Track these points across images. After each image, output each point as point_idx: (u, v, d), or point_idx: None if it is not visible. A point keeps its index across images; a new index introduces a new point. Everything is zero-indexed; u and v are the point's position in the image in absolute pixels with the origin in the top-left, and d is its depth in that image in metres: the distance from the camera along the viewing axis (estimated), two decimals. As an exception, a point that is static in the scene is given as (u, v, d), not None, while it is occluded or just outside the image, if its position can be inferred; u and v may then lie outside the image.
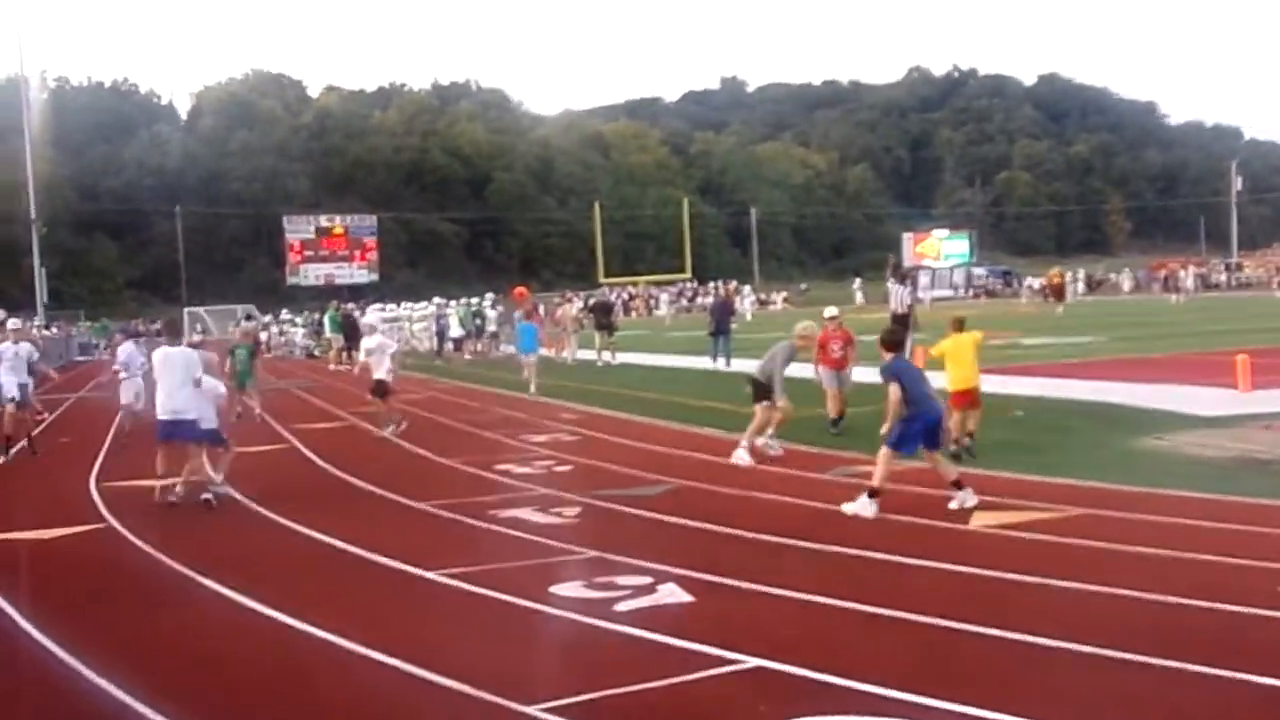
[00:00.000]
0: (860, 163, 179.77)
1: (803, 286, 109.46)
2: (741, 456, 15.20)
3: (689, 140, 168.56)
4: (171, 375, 13.66)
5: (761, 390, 15.93)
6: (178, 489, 13.51)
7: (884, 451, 11.52)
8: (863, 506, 11.20)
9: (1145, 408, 18.31)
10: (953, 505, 11.27)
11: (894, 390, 11.59)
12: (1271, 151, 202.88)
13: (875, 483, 11.34)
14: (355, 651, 7.57)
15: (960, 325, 15.80)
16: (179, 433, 13.68)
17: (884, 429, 11.61)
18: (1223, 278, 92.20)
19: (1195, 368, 23.74)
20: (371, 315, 22.67)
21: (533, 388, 27.30)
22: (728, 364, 30.87)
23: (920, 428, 11.62)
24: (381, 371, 20.60)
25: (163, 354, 14.05)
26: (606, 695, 6.53)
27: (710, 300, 42.49)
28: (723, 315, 33.54)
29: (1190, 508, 10.96)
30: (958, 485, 11.55)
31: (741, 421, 19.03)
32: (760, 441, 15.68)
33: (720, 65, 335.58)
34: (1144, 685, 6.44)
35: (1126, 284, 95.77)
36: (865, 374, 17.11)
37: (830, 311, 19.29)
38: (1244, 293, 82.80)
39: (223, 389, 15.29)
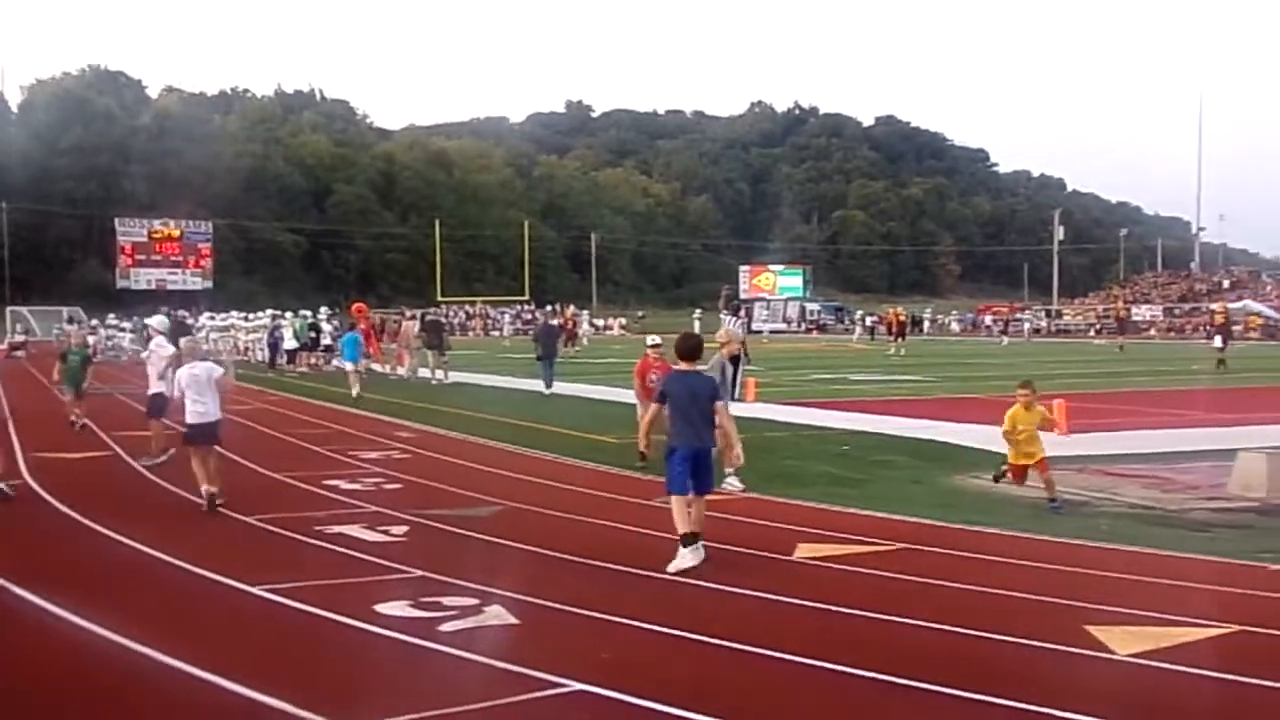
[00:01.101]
0: (701, 194, 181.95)
1: (640, 314, 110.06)
2: (732, 484, 14.34)
3: (533, 162, 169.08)
4: None
5: None
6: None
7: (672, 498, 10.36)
8: (682, 559, 10.03)
9: (966, 446, 18.83)
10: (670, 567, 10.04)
11: (651, 408, 11.04)
12: (1093, 203, 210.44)
13: (679, 528, 10.22)
14: (172, 666, 7.44)
15: (1034, 390, 14.67)
16: None
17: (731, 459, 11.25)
18: (1043, 323, 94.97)
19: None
20: (156, 319, 20.78)
21: (354, 391, 29.07)
22: (549, 387, 31.21)
23: (678, 462, 10.32)
24: (157, 383, 17.67)
25: None
26: (429, 716, 6.52)
27: (538, 324, 42.40)
28: (548, 340, 33.64)
29: (1005, 546, 11.30)
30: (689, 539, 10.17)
31: (567, 444, 19.21)
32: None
33: (566, 88, 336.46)
34: (950, 714, 6.65)
35: (955, 325, 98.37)
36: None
37: (653, 340, 18.84)
38: (1063, 339, 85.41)
39: None
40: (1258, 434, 19.16)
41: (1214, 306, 70.51)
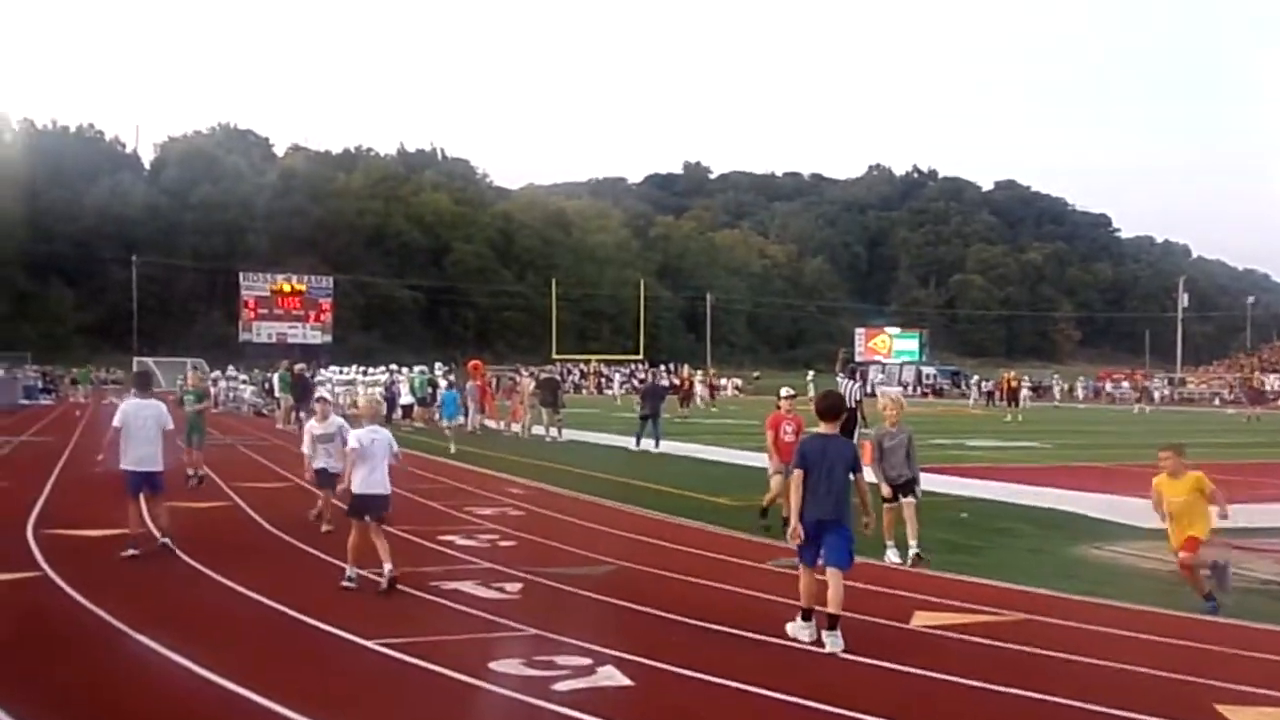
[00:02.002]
0: (818, 255, 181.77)
1: (755, 374, 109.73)
2: (891, 557, 13.93)
3: (650, 222, 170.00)
4: (144, 428, 13.81)
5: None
6: (131, 548, 13.50)
7: (803, 573, 9.97)
8: (798, 629, 9.86)
9: (1088, 515, 18.47)
10: (817, 641, 9.71)
11: (794, 475, 10.08)
12: (1218, 270, 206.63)
13: (802, 602, 9.91)
14: (289, 718, 7.49)
15: (1178, 454, 12.24)
16: (149, 484, 13.87)
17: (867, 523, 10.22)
18: (1166, 391, 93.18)
19: (1139, 479, 23.91)
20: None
21: (452, 449, 30.04)
22: (657, 445, 31.72)
23: (809, 531, 9.84)
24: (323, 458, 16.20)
25: (135, 405, 14.07)
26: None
27: (643, 382, 42.28)
28: (653, 399, 33.73)
29: (1129, 619, 11.02)
30: (829, 622, 9.62)
31: (679, 504, 19.17)
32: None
33: (684, 149, 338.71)
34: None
35: (1080, 392, 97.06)
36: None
37: (786, 391, 18.22)
38: (1187, 407, 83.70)
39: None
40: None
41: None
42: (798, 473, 9.99)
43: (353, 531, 12.16)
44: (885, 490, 13.83)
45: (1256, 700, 8.15)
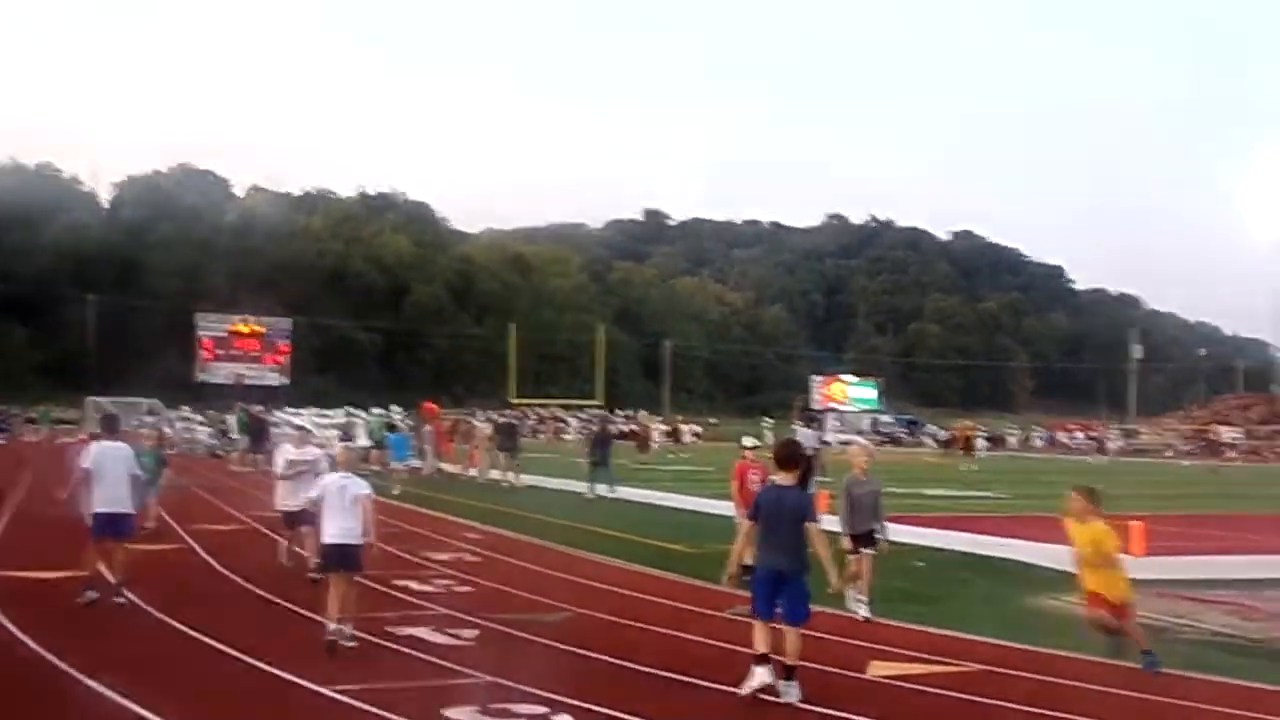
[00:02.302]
0: (776, 303, 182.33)
1: (713, 421, 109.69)
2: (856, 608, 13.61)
3: (609, 268, 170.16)
4: (114, 470, 13.47)
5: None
6: (90, 591, 13.21)
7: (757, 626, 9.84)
8: (753, 678, 9.58)
9: (1043, 565, 18.52)
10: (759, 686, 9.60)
11: (743, 526, 10.31)
12: (1170, 322, 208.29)
13: (756, 649, 9.71)
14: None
15: (1087, 498, 11.88)
16: (118, 528, 13.50)
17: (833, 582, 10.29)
18: (1120, 443, 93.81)
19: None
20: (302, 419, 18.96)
21: (395, 490, 29.93)
22: (611, 489, 31.80)
23: (758, 583, 9.90)
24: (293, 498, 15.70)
25: (104, 448, 13.74)
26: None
27: (592, 430, 41.91)
28: (602, 445, 33.71)
29: (1083, 670, 11.06)
30: (786, 672, 9.61)
31: (637, 551, 19.15)
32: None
33: (645, 196, 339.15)
34: None
35: (1039, 441, 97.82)
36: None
37: (749, 441, 17.91)
38: (1140, 458, 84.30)
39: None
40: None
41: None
42: (748, 524, 10.11)
43: (331, 585, 11.37)
44: (846, 542, 13.54)
45: (1209, 753, 8.21)
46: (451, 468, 41.58)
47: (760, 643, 9.65)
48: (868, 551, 13.67)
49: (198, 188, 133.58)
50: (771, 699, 9.42)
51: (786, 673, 9.56)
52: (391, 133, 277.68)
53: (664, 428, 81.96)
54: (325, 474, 12.66)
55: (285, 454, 16.14)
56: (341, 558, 11.38)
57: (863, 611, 13.49)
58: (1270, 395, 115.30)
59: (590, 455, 33.53)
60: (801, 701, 9.34)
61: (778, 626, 9.70)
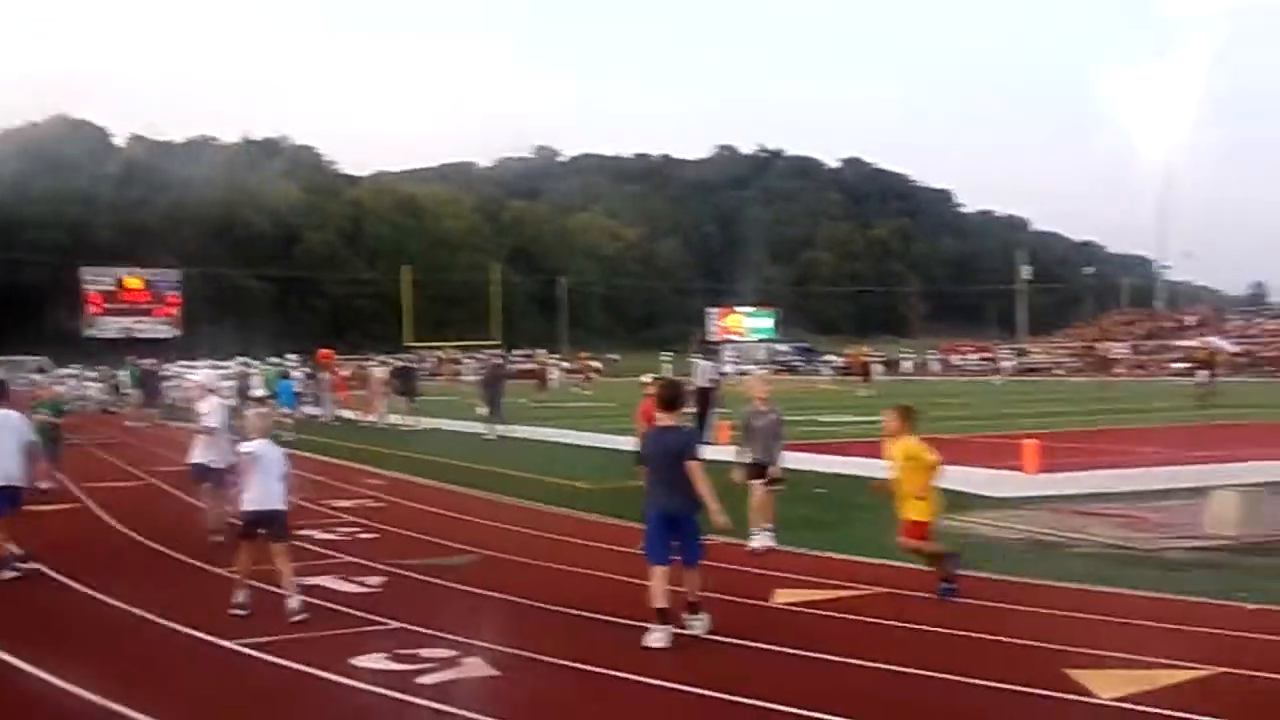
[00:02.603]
0: (670, 237, 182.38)
1: (614, 357, 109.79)
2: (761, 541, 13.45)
3: (501, 207, 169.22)
4: (8, 439, 12.64)
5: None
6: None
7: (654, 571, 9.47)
8: (653, 638, 9.19)
9: (940, 487, 18.82)
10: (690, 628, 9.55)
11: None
12: (1056, 242, 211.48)
13: (654, 602, 9.35)
14: (151, 723, 7.39)
15: (901, 416, 11.75)
16: (10, 500, 12.65)
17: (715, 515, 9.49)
18: (1012, 363, 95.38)
19: (987, 450, 24.51)
20: (203, 374, 17.46)
21: (285, 436, 28.05)
22: (491, 431, 31.69)
23: (653, 528, 9.63)
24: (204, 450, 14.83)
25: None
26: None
27: (481, 374, 41.52)
28: (493, 385, 33.84)
29: (983, 589, 11.28)
30: (691, 607, 9.60)
31: (541, 490, 19.18)
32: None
33: (534, 133, 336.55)
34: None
35: (936, 365, 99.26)
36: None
37: (650, 377, 17.53)
38: (1030, 377, 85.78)
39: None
40: (1231, 471, 19.27)
41: (1197, 344, 71.73)
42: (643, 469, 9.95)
43: (241, 552, 10.89)
44: (737, 474, 13.41)
45: (1104, 663, 8.43)
46: (350, 414, 41.30)
47: (659, 595, 9.30)
48: (767, 483, 13.58)
49: (75, 139, 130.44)
50: (678, 630, 9.47)
51: (691, 607, 9.58)
52: (274, 77, 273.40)
53: (566, 365, 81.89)
54: (244, 433, 11.95)
55: (209, 407, 15.29)
56: (269, 523, 10.90)
57: (766, 542, 13.41)
58: (1154, 311, 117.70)
59: (483, 396, 33.48)
60: (709, 633, 9.44)
61: (674, 570, 9.50)
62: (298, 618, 10.24)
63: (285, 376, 44.77)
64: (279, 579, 10.63)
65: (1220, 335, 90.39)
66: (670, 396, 10.12)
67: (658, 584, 9.36)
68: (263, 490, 10.78)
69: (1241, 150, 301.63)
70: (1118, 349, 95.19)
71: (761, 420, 13.74)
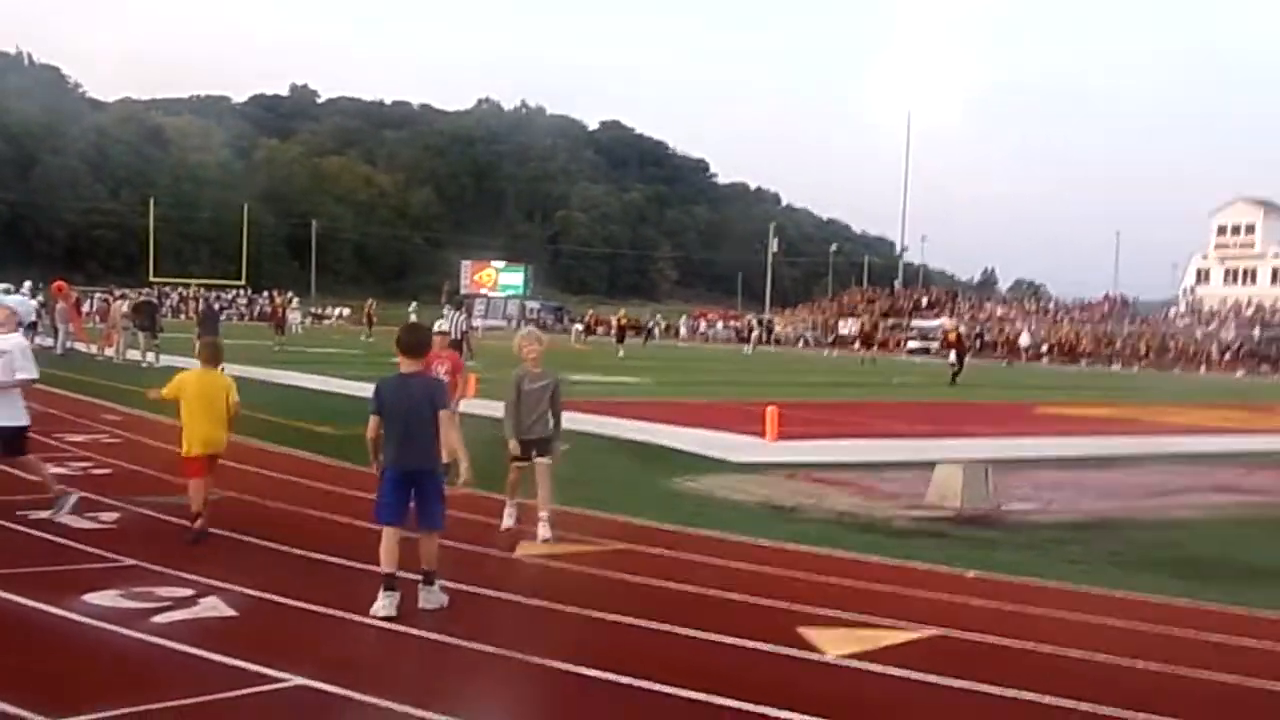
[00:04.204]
0: (425, 186, 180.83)
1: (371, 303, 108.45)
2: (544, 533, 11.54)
3: (254, 144, 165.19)
4: None
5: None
6: None
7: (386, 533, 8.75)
8: (382, 605, 8.50)
9: (684, 450, 19.26)
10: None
11: (370, 422, 9.01)
12: (805, 218, 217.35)
13: (383, 567, 8.66)
14: None
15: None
16: None
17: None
18: (756, 333, 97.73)
19: (731, 415, 25.13)
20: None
21: None
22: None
23: (390, 486, 8.82)
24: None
25: None
26: (138, 711, 6.35)
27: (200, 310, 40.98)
28: (209, 323, 33.74)
29: (721, 548, 11.58)
30: (424, 578, 8.81)
31: (282, 433, 18.89)
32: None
33: (290, 71, 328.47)
34: (664, 714, 6.83)
35: (684, 331, 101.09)
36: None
37: (440, 325, 16.84)
38: (775, 348, 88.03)
39: None
40: (958, 446, 20.18)
41: (946, 324, 74.63)
42: (374, 419, 8.91)
43: None
44: (513, 446, 11.59)
45: (832, 622, 8.77)
46: (86, 348, 39.85)
47: (388, 558, 8.62)
48: (542, 460, 11.61)
49: None
50: (413, 576, 9.41)
51: (426, 578, 8.80)
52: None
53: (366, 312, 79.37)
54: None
55: None
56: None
57: (543, 533, 11.47)
58: (893, 290, 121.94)
59: (199, 333, 33.03)
60: (446, 606, 8.83)
61: (410, 535, 8.88)
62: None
63: (41, 307, 43.51)
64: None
65: (951, 316, 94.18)
66: (416, 341, 9.19)
67: (387, 545, 8.62)
68: None
69: (982, 143, 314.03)
70: (854, 325, 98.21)
71: (534, 384, 11.65)
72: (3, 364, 11.34)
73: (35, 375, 11.76)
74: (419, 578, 8.81)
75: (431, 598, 8.74)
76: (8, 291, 45.88)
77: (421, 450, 8.77)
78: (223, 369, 12.56)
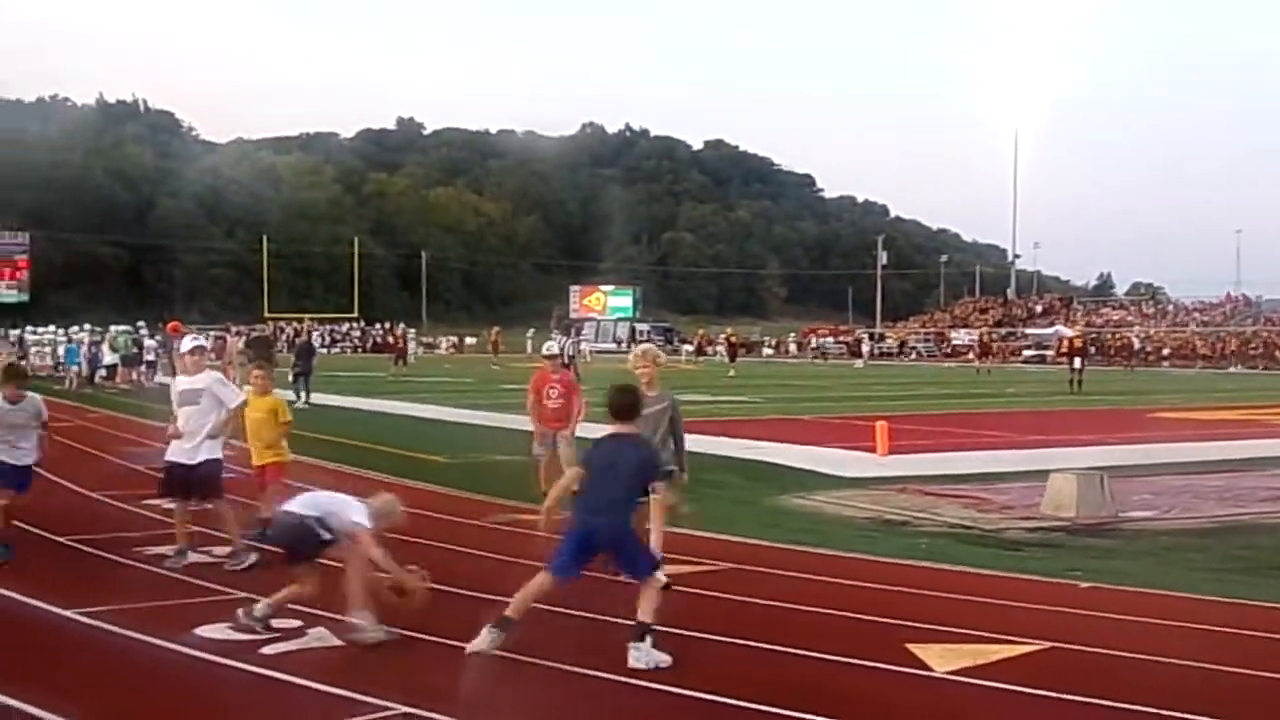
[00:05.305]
0: (532, 213, 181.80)
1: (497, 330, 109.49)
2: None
3: (362, 179, 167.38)
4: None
5: None
6: None
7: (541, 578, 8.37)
8: (476, 641, 8.13)
9: (793, 467, 19.14)
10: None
11: (569, 474, 8.90)
12: (915, 229, 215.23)
13: (511, 611, 8.24)
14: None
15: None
16: None
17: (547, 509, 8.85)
18: (867, 347, 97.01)
19: (840, 431, 24.95)
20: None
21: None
22: (302, 401, 31.05)
23: (569, 538, 8.40)
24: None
25: None
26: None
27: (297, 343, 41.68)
28: (305, 358, 34.31)
29: (830, 565, 11.47)
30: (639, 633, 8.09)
31: (397, 464, 18.97)
32: None
33: (397, 105, 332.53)
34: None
35: (795, 348, 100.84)
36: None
37: (549, 348, 16.97)
38: (886, 361, 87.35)
39: None
40: (1069, 455, 19.83)
41: (1061, 330, 73.85)
42: (572, 471, 8.85)
43: None
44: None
45: (942, 637, 8.62)
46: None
47: (519, 603, 8.27)
48: (656, 497, 9.87)
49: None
50: (534, 605, 9.37)
51: (634, 632, 8.13)
52: (131, 37, 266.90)
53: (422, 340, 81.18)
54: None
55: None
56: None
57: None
58: (1006, 299, 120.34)
59: (294, 365, 33.51)
60: (660, 665, 7.96)
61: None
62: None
63: (140, 345, 44.76)
64: None
65: (1067, 324, 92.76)
66: (627, 405, 8.72)
67: (527, 592, 8.32)
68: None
69: (1090, 147, 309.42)
70: (968, 335, 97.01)
71: (649, 409, 10.07)
72: (202, 407, 11.78)
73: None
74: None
75: (641, 655, 7.95)
76: (126, 332, 47.11)
77: (614, 516, 8.32)
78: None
